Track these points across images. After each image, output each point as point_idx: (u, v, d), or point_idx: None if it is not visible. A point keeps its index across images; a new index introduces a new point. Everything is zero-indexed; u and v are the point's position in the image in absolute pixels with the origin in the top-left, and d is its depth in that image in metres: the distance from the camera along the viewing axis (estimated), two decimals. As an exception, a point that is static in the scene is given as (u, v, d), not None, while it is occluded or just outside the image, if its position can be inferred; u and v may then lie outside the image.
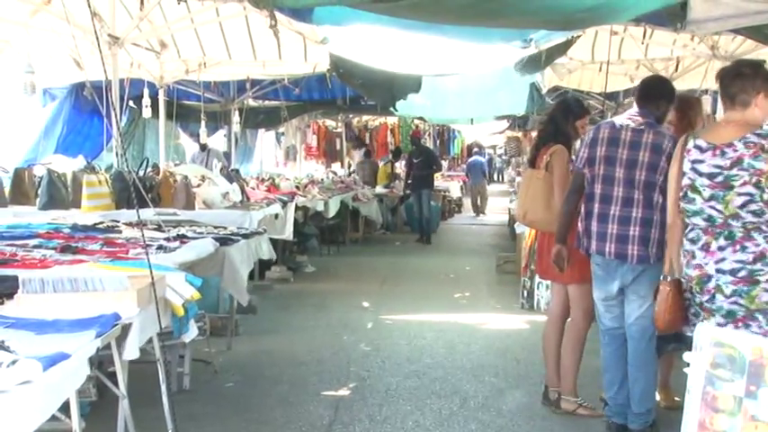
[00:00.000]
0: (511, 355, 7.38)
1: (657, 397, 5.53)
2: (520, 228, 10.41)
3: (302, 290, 10.82)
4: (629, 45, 10.55)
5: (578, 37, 9.96)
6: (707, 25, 5.56)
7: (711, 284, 4.16)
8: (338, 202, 14.74)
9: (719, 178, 4.12)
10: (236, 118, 14.49)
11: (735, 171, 4.07)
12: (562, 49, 10.07)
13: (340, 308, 9.54)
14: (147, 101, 10.91)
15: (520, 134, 29.01)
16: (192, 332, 4.69)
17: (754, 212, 4.03)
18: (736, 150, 4.08)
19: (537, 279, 9.18)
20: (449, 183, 25.55)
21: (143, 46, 10.29)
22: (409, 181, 17.54)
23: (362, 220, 16.85)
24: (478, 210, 23.88)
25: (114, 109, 8.47)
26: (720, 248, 4.11)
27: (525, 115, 17.52)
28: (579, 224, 5.28)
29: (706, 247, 4.17)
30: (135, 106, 12.13)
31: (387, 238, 17.73)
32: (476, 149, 29.66)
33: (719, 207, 4.12)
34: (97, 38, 5.78)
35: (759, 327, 4.02)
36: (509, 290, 10.56)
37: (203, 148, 14.83)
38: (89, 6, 4.67)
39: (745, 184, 4.04)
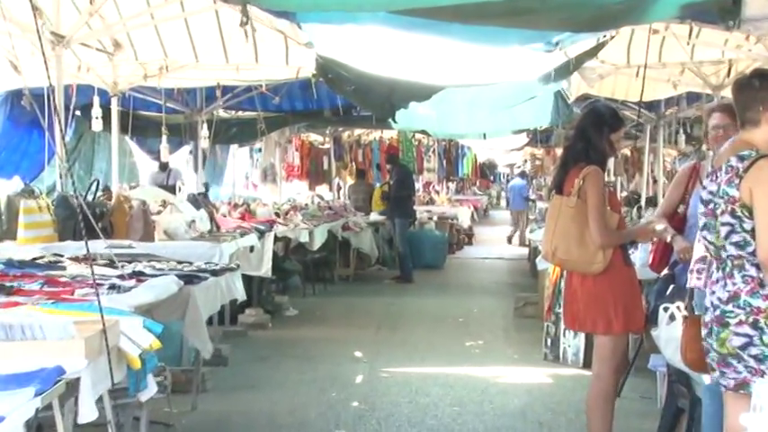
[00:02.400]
0: (532, 416, 7.35)
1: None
2: (542, 263, 10.43)
3: (282, 337, 10.84)
4: (672, 46, 10.55)
5: (612, 37, 10.01)
6: (765, 25, 5.58)
7: (707, 317, 4.30)
8: (325, 232, 14.79)
9: (711, 206, 4.26)
10: (203, 132, 14.46)
11: (717, 198, 4.20)
12: (593, 51, 10.12)
13: (328, 359, 9.54)
14: (97, 111, 10.76)
15: (541, 151, 29.18)
16: (150, 389, 4.65)
17: (737, 244, 4.14)
18: (720, 175, 4.21)
19: (563, 325, 9.03)
20: (457, 209, 25.80)
21: (93, 46, 10.32)
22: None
23: (354, 254, 16.86)
24: (521, 241, 24.01)
25: (59, 121, 8.35)
26: (716, 281, 4.25)
27: (548, 129, 17.60)
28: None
29: (711, 278, 4.34)
30: (83, 117, 12.13)
31: (383, 274, 17.72)
32: (517, 170, 29.84)
33: (711, 237, 4.27)
34: (39, 36, 5.77)
35: (735, 372, 4.12)
36: (529, 337, 10.59)
37: (164, 167, 14.81)
38: (29, -1, 4.69)
39: (723, 213, 4.16)
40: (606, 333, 5.74)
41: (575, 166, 5.81)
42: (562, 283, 8.75)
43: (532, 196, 25.79)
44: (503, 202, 57.46)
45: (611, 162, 5.97)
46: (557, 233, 5.84)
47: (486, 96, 13.82)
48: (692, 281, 5.41)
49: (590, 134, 5.82)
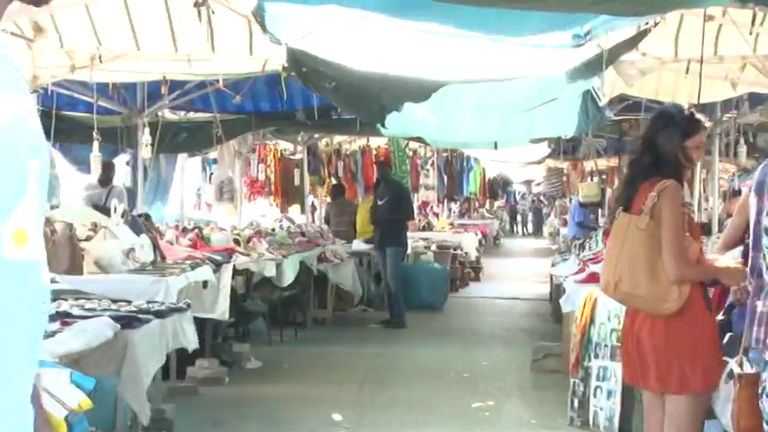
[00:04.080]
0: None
1: None
2: (567, 304, 10.75)
3: (242, 395, 10.89)
4: (731, 36, 10.54)
5: (656, 24, 10.09)
6: None
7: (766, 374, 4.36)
8: (297, 263, 14.89)
9: None
10: (145, 137, 14.17)
11: None
12: (632, 41, 10.18)
13: (299, 423, 9.58)
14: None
15: (566, 165, 29.37)
16: (78, 460, 4.71)
17: None
18: None
19: (594, 382, 9.23)
20: (461, 236, 25.91)
21: (8, 30, 10.37)
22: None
23: (333, 292, 17.06)
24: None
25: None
26: None
27: (575, 138, 18.11)
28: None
29: None
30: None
31: (369, 317, 17.82)
32: (536, 187, 29.89)
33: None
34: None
35: None
36: (551, 397, 10.66)
37: (105, 182, 14.81)
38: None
39: None
40: (680, 392, 5.69)
41: (646, 181, 5.85)
42: (593, 330, 8.92)
43: (556, 222, 25.87)
44: (518, 228, 57.83)
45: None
46: (622, 260, 5.84)
47: (498, 97, 13.60)
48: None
49: (660, 143, 5.88)
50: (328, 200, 22.48)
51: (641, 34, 10.17)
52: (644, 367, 5.81)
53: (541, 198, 47.03)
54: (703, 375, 5.60)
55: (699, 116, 6.23)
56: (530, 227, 56.92)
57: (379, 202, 17.83)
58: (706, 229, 13.68)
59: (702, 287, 5.84)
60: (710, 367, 5.58)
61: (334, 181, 22.61)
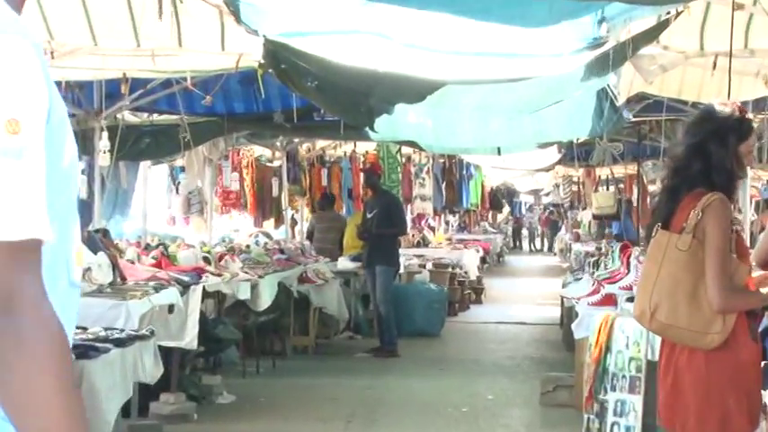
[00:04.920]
0: None
1: None
2: (580, 330, 10.64)
3: (213, 434, 10.93)
4: (763, 27, 10.59)
5: (678, 14, 10.07)
6: None
7: None
8: (275, 285, 14.94)
9: None
10: (103, 143, 14.10)
11: None
12: (652, 32, 10.16)
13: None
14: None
15: (580, 172, 29.28)
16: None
17: None
18: None
19: (610, 417, 9.11)
20: (460, 253, 26.02)
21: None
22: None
23: (316, 316, 16.96)
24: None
25: None
26: None
27: (589, 141, 17.98)
28: None
29: None
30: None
31: (356, 345, 17.87)
32: (545, 198, 29.83)
33: None
34: None
35: None
36: (562, 435, 10.51)
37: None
38: None
39: None
40: None
41: (689, 194, 5.81)
42: (610, 359, 8.85)
43: (567, 236, 25.84)
44: (522, 243, 57.65)
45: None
46: (659, 285, 5.77)
47: (503, 97, 13.47)
48: None
49: (711, 149, 5.78)
50: (308, 213, 22.56)
51: (662, 25, 10.16)
52: (682, 406, 5.74)
53: (557, 208, 46.78)
54: (749, 415, 5.57)
55: (749, 115, 6.26)
56: (537, 242, 56.84)
57: (368, 215, 17.83)
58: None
59: (748, 316, 5.75)
60: (755, 405, 5.57)
61: (316, 191, 22.58)
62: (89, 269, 9.41)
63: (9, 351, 1.96)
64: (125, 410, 9.97)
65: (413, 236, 26.18)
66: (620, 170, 24.88)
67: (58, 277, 2.21)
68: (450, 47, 10.31)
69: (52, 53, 11.64)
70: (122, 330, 7.52)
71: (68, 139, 2.21)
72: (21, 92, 2.04)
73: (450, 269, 23.04)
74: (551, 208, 50.16)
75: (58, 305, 2.07)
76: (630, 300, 8.27)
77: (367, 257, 17.68)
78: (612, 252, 13.77)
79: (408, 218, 25.18)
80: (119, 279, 10.09)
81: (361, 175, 21.08)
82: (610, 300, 10.20)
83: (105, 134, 14.17)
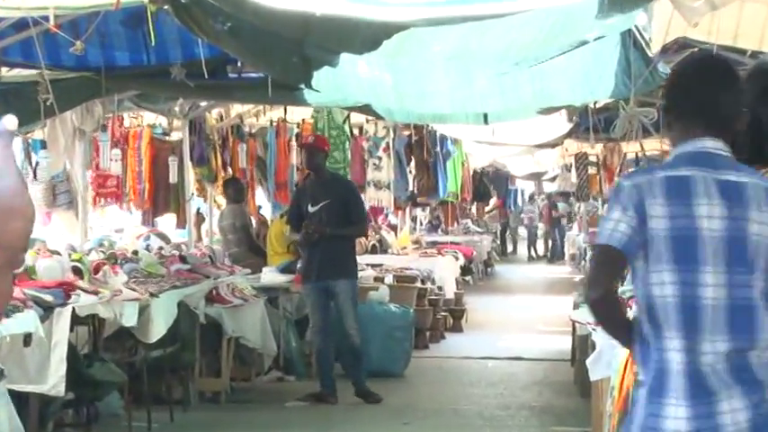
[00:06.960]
0: None
1: None
2: (599, 367, 11.39)
3: None
4: None
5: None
6: None
7: None
8: (174, 306, 15.37)
9: None
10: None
11: None
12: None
13: None
14: None
15: (599, 147, 29.78)
16: None
17: None
18: None
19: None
20: (433, 261, 26.61)
21: None
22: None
23: (230, 350, 17.35)
24: None
25: None
26: None
27: (611, 105, 18.49)
28: None
29: None
30: None
31: (287, 389, 18.25)
32: (551, 183, 30.63)
33: None
34: None
35: None
36: None
37: None
38: None
39: None
40: None
41: None
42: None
43: (581, 238, 26.26)
44: (521, 248, 58.47)
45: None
46: None
47: (488, 43, 13.48)
48: None
49: (762, 115, 6.26)
50: (223, 205, 23.00)
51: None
52: None
53: (565, 198, 47.85)
54: None
55: None
56: (540, 246, 57.96)
57: (312, 208, 17.77)
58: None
59: None
60: None
61: (232, 176, 22.76)
62: None
63: None
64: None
65: (365, 238, 26.09)
66: (653, 145, 25.17)
67: None
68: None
69: None
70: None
71: None
72: None
73: (418, 284, 23.10)
74: (558, 199, 50.97)
75: None
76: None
77: (317, 269, 17.66)
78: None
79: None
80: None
81: (302, 152, 21.07)
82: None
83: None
